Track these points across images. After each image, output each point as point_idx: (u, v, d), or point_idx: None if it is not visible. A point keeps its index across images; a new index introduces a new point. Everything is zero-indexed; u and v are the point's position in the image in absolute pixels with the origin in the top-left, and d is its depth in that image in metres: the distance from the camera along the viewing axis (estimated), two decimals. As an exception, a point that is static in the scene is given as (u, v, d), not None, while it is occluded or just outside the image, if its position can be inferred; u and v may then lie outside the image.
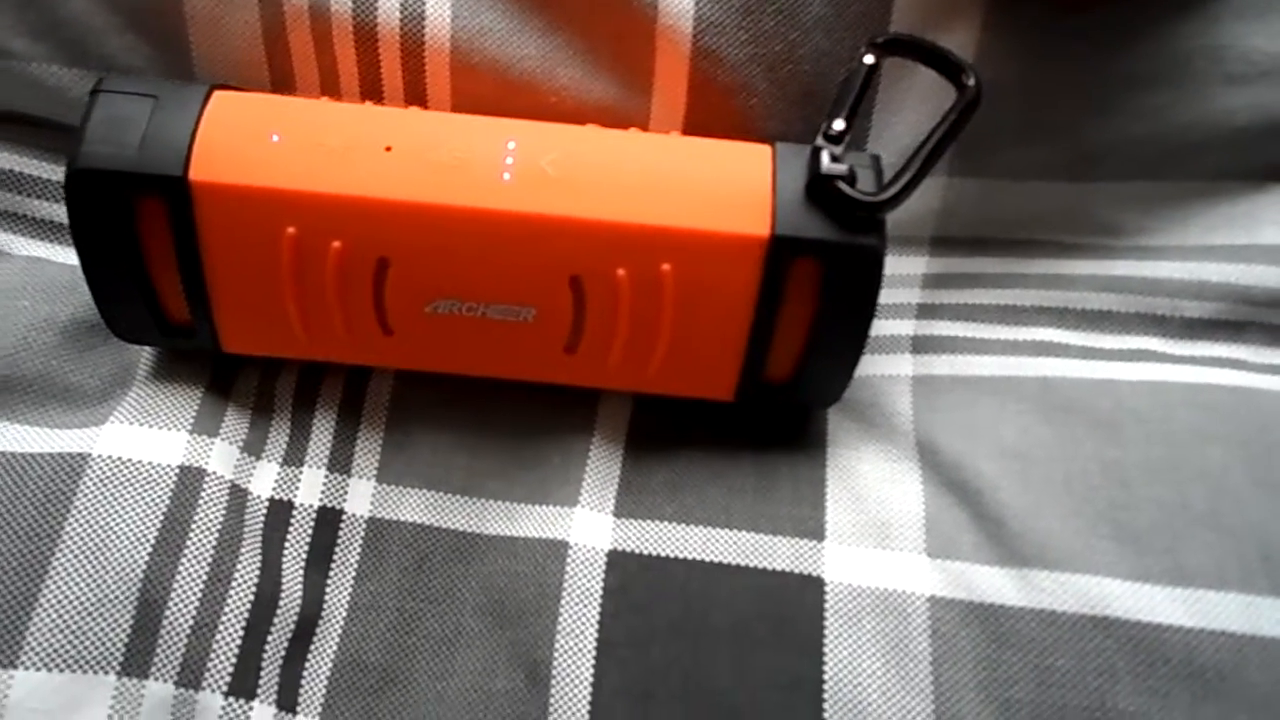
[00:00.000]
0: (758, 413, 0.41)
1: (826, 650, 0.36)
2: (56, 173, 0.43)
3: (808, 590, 0.37)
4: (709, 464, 0.40)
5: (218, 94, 0.36)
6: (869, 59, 0.39)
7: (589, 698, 0.36)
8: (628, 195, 0.36)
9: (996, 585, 0.36)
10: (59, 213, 0.44)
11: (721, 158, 0.38)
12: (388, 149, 0.36)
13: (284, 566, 0.38)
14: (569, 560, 0.38)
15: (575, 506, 0.39)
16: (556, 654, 0.37)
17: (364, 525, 0.40)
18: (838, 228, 0.36)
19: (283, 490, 0.40)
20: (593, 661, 0.37)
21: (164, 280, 0.37)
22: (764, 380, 0.39)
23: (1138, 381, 0.40)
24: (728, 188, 0.36)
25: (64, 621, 0.34)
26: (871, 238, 0.36)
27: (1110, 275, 0.43)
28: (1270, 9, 0.39)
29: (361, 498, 0.40)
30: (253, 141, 0.35)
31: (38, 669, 0.33)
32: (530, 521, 0.39)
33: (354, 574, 0.39)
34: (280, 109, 0.37)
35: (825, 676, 0.36)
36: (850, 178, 0.36)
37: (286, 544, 0.39)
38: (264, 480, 0.40)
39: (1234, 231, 0.42)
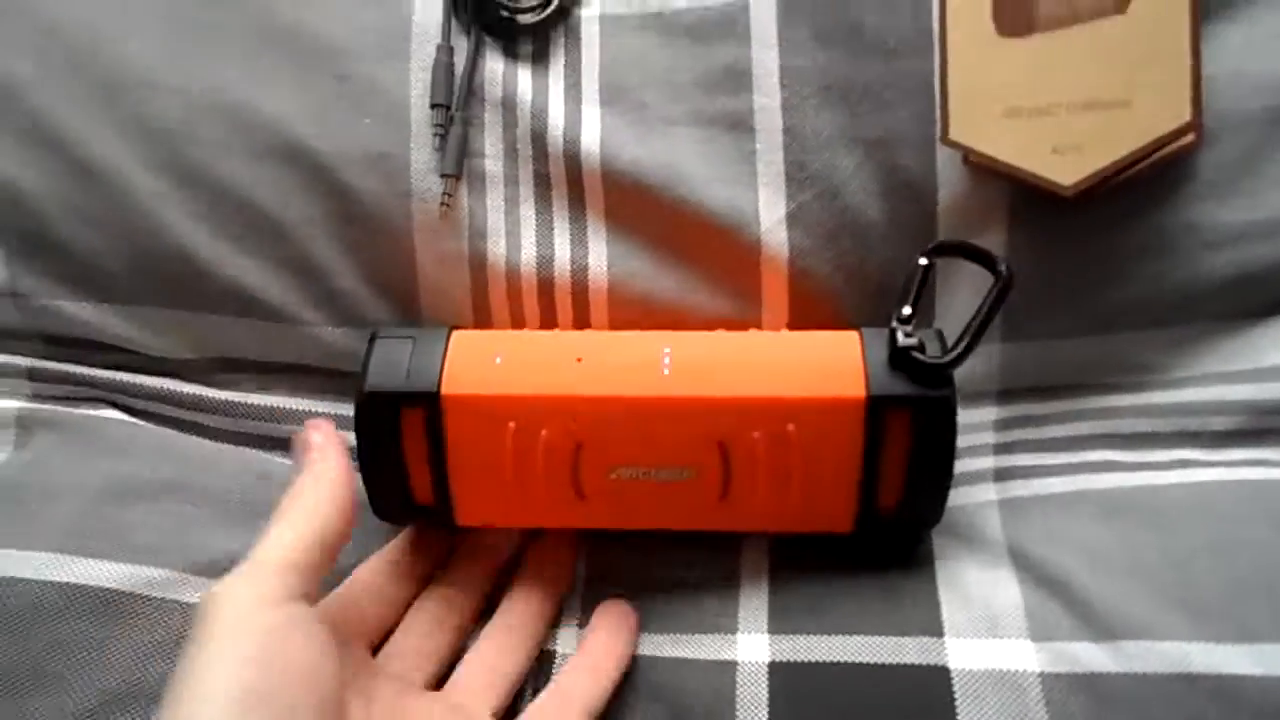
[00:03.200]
0: (873, 540, 0.51)
1: (959, 724, 0.44)
2: (321, 408, 0.58)
3: (936, 678, 0.45)
4: (839, 585, 0.50)
5: (456, 334, 0.51)
6: (923, 261, 0.51)
7: (770, 781, 0.44)
8: (755, 376, 0.48)
9: (1094, 657, 0.44)
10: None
11: (822, 343, 0.50)
12: (578, 360, 0.49)
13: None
14: (738, 674, 0.47)
15: (736, 633, 0.49)
16: (738, 750, 0.45)
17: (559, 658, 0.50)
18: (917, 385, 0.47)
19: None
20: (769, 751, 0.45)
21: (416, 471, 0.50)
22: (876, 511, 0.49)
23: (1180, 483, 0.49)
24: (830, 364, 0.48)
25: None
26: (944, 390, 0.47)
27: (1148, 404, 0.52)
28: (1227, 191, 0.51)
29: (566, 639, 0.51)
30: (483, 364, 0.49)
31: None
32: (700, 648, 0.49)
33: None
34: (500, 340, 0.52)
35: (961, 747, 0.43)
36: (921, 347, 0.47)
37: None
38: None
39: (1242, 359, 0.51)
